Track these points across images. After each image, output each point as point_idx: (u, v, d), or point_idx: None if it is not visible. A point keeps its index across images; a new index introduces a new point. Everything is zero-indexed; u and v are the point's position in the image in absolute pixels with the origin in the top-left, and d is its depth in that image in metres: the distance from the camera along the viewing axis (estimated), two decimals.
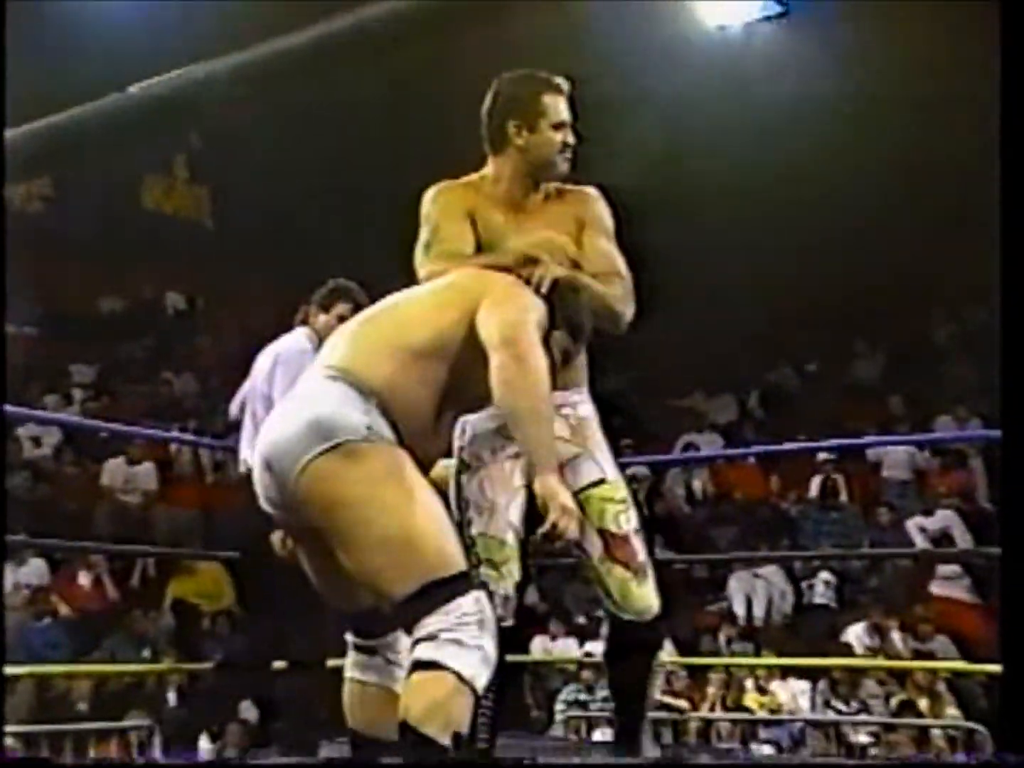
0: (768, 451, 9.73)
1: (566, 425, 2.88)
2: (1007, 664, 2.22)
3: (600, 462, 2.89)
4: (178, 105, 8.32)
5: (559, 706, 8.25)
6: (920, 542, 9.34)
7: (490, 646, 2.29)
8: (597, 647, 8.60)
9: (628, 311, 2.87)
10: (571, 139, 2.89)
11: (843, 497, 10.34)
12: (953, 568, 9.14)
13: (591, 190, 2.99)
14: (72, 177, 12.20)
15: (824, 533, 9.89)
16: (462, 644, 2.25)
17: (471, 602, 2.29)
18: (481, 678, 2.26)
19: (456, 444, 2.90)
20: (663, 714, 7.77)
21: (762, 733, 7.91)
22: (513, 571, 2.82)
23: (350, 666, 2.62)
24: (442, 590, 2.28)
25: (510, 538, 2.82)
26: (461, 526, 2.78)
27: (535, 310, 2.52)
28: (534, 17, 9.87)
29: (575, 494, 2.69)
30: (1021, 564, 2.18)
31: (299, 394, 2.47)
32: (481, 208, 2.90)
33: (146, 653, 8.62)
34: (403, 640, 2.51)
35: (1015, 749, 2.07)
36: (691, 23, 11.44)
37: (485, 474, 2.86)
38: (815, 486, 10.38)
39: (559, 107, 2.87)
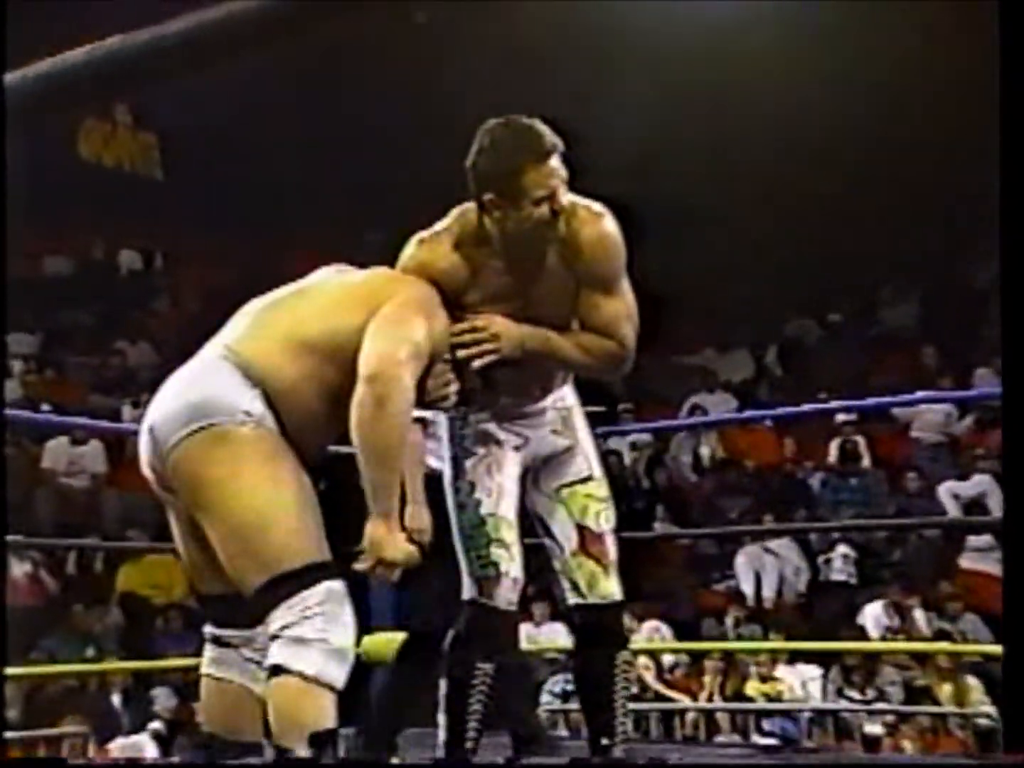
0: (781, 414, 9.50)
1: (558, 417, 3.09)
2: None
3: (589, 458, 3.11)
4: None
5: (545, 698, 8.15)
6: (952, 510, 9.28)
7: (338, 637, 2.45)
8: None
9: (618, 367, 2.96)
10: (560, 202, 2.75)
11: (866, 462, 10.27)
12: (986, 539, 9.00)
13: (592, 226, 2.83)
14: None
15: (844, 502, 9.83)
16: (303, 641, 2.42)
17: (319, 594, 2.44)
18: (328, 672, 2.43)
19: (454, 433, 3.06)
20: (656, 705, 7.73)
21: (765, 724, 7.86)
22: (518, 554, 3.00)
23: (207, 662, 2.72)
24: (287, 584, 2.44)
25: (515, 521, 3.02)
26: (465, 508, 2.99)
27: (418, 337, 2.60)
28: None
29: (561, 487, 3.06)
30: None
31: (192, 368, 2.64)
32: (473, 253, 2.86)
33: (90, 652, 8.62)
34: (262, 637, 2.61)
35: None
36: None
37: (492, 460, 3.03)
38: (834, 450, 10.31)
39: (544, 179, 2.72)
